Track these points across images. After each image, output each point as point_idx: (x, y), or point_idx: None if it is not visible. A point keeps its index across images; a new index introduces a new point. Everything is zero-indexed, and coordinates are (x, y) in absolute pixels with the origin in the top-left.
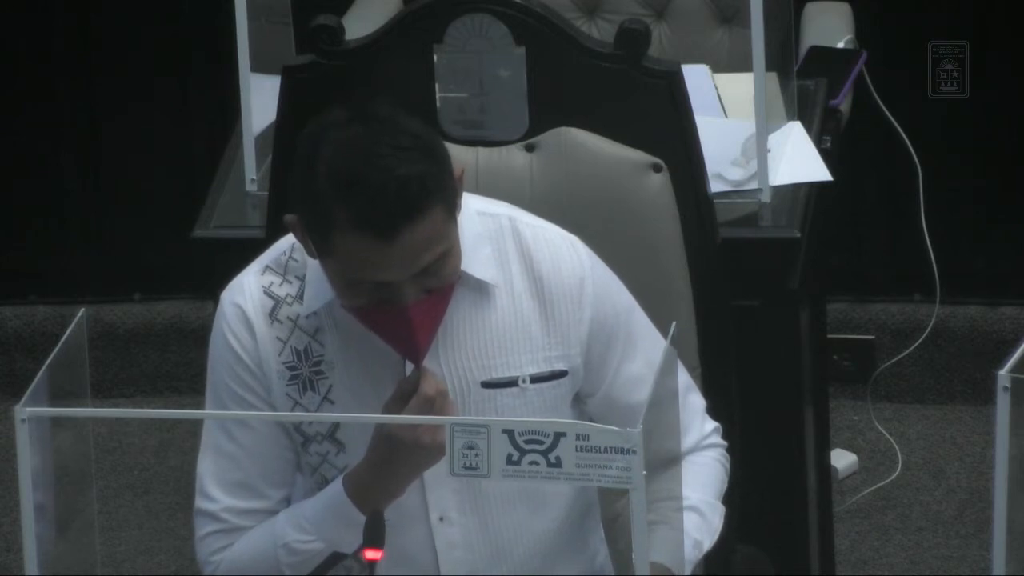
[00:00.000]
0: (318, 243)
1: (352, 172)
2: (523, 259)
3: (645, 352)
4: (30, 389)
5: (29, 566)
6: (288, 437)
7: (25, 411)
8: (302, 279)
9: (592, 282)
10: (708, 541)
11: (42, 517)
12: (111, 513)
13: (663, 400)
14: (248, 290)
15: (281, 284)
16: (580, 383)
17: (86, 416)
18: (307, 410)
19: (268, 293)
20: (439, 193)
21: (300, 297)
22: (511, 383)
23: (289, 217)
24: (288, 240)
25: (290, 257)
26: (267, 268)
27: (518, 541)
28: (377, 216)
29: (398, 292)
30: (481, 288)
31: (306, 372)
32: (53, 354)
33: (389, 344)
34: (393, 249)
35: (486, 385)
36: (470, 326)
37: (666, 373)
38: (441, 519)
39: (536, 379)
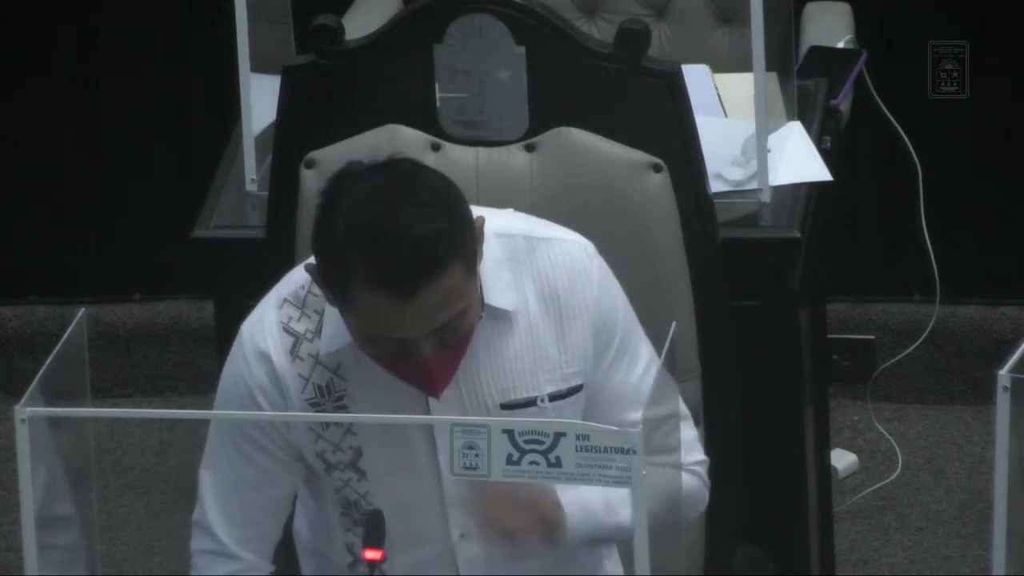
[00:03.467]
0: (336, 297)
1: (370, 228)
2: (538, 279)
3: (639, 365)
4: (30, 389)
5: (29, 566)
6: (288, 472)
7: (25, 411)
8: (321, 314)
9: (599, 290)
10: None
11: (42, 517)
12: (111, 513)
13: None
14: (269, 330)
15: (300, 319)
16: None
17: (86, 416)
18: (330, 442)
19: (287, 329)
20: (458, 251)
21: (319, 332)
22: (530, 403)
23: (309, 265)
24: (304, 273)
25: (308, 291)
26: (285, 301)
27: (536, 552)
28: (395, 276)
29: (416, 346)
30: (500, 315)
31: (329, 407)
32: (53, 354)
33: (408, 384)
34: (411, 308)
35: (505, 407)
36: (489, 353)
37: (663, 378)
38: (462, 536)
39: (554, 397)
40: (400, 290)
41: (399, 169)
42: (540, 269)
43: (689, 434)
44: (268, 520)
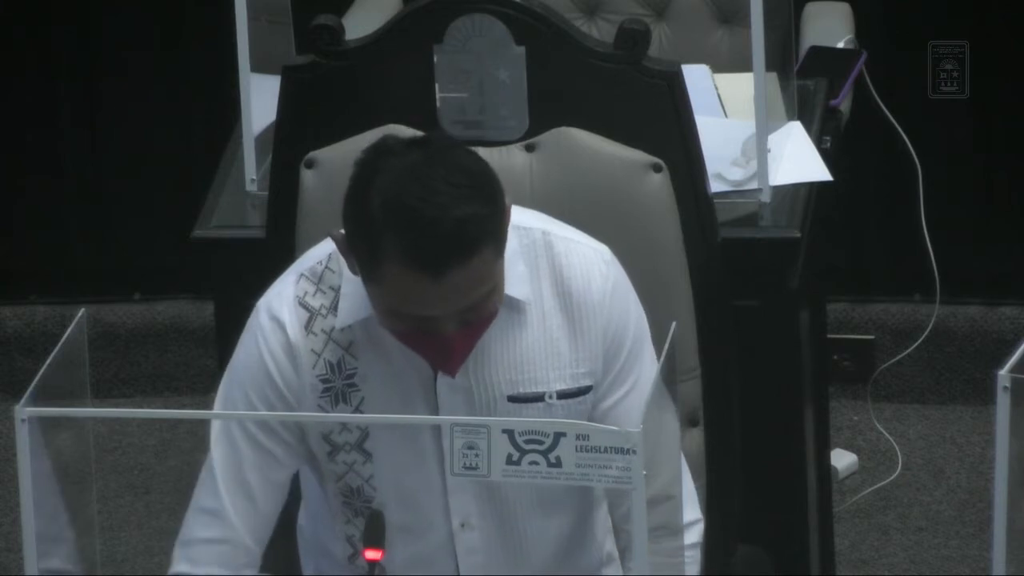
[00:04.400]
0: (364, 269)
1: (406, 207)
2: (554, 275)
3: (640, 387)
4: (30, 389)
5: (29, 566)
6: (291, 456)
7: (25, 411)
8: (336, 290)
9: (612, 294)
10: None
11: (42, 517)
12: (111, 513)
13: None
14: (286, 303)
15: (315, 294)
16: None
17: (86, 416)
18: (338, 421)
19: (303, 304)
20: (490, 234)
21: (334, 308)
22: (538, 398)
23: (336, 233)
24: (324, 249)
25: (326, 267)
26: (302, 276)
27: (536, 544)
28: (427, 255)
29: (438, 323)
30: (514, 305)
31: (339, 385)
32: (53, 354)
33: (424, 359)
34: (440, 288)
35: (513, 399)
36: (501, 342)
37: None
38: (462, 525)
39: (563, 395)
40: (431, 270)
41: (437, 146)
42: (556, 266)
43: (688, 488)
44: (268, 502)
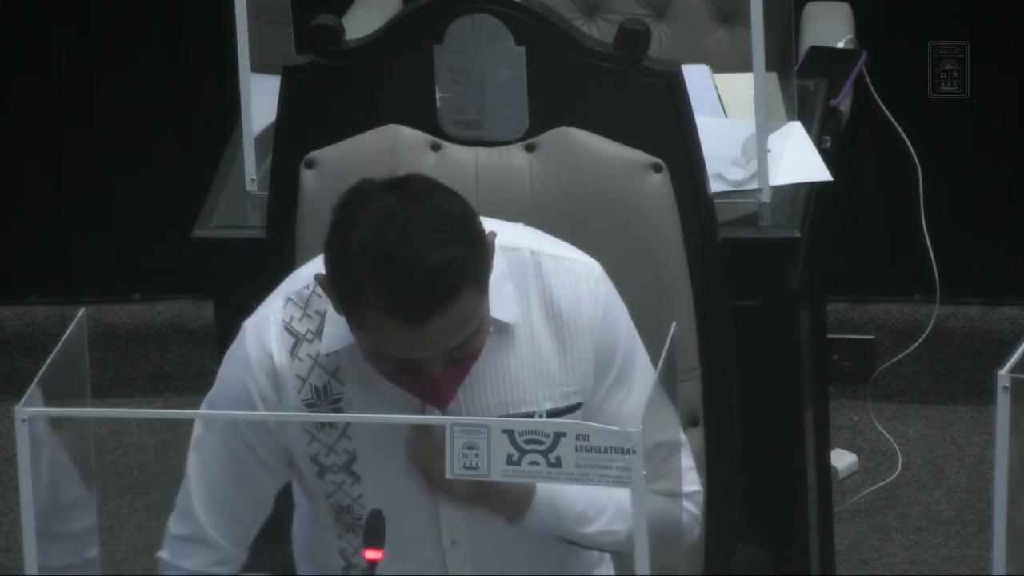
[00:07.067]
0: (347, 314)
1: (385, 255)
2: (543, 295)
3: (635, 395)
4: (30, 389)
5: (29, 566)
6: (274, 478)
7: (25, 411)
8: (323, 315)
9: (603, 312)
10: (608, 524)
11: (42, 517)
12: (111, 513)
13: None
14: (273, 327)
15: (301, 319)
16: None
17: (86, 416)
18: (324, 444)
19: (289, 329)
20: (471, 276)
21: (319, 333)
22: (527, 418)
23: (319, 276)
24: (310, 270)
25: (313, 292)
26: (289, 301)
27: (527, 561)
28: (408, 304)
29: (425, 365)
30: (502, 328)
31: (325, 409)
32: (53, 354)
33: (413, 396)
34: (423, 335)
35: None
36: (489, 364)
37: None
38: (453, 543)
39: (552, 414)
40: (412, 319)
41: (414, 189)
42: (545, 285)
43: (685, 463)
44: (248, 514)
